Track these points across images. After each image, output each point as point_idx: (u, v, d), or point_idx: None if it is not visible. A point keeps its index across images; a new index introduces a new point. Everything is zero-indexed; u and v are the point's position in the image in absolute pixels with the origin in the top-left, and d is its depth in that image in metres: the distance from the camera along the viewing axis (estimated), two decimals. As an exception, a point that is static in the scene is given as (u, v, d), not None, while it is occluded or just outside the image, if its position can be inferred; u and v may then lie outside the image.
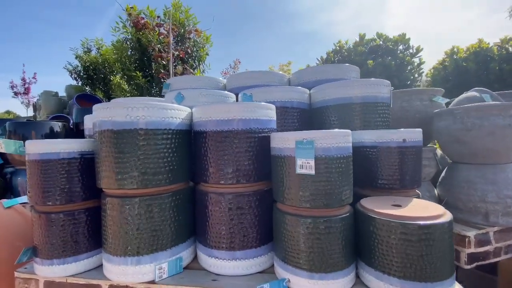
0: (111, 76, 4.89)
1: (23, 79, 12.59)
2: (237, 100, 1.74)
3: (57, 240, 1.03)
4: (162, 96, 1.94)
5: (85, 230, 1.08)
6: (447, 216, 0.87)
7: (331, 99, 1.52)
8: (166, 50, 3.55)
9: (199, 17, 3.96)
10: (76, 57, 4.99)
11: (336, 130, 0.89)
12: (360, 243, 0.97)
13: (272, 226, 1.06)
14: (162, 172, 0.99)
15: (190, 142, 1.14)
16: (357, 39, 4.04)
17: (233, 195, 1.02)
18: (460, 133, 1.52)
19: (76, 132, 2.99)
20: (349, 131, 0.92)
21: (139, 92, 3.79)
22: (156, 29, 3.71)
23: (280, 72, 2.14)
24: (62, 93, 5.57)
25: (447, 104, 2.07)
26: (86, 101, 4.67)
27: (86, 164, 1.08)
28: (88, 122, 1.40)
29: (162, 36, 3.60)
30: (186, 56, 3.74)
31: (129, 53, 3.80)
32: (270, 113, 1.10)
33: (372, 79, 1.50)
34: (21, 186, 2.30)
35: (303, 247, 0.90)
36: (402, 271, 0.84)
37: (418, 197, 1.17)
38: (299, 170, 0.85)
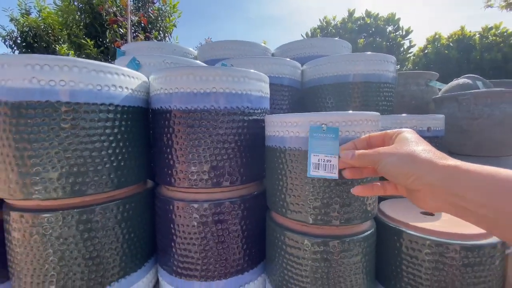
0: (56, 45, 4.13)
1: None
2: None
3: None
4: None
5: None
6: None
7: (328, 77, 1.25)
8: (123, 14, 2.98)
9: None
10: (11, 20, 4.10)
11: (365, 112, 0.62)
12: (382, 263, 0.73)
13: (265, 243, 0.79)
14: (100, 171, 0.64)
15: (146, 125, 0.79)
16: (345, 16, 3.79)
17: (210, 203, 0.71)
18: (466, 122, 1.36)
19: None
20: (378, 114, 0.66)
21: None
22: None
23: (263, 44, 1.81)
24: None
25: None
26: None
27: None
28: None
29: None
30: (149, 24, 3.18)
31: (77, 16, 3.14)
32: (264, 87, 0.79)
33: (377, 54, 1.25)
34: None
35: (312, 278, 0.63)
36: None
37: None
38: (313, 172, 0.57)
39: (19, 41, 4.25)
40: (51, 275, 0.63)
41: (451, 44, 3.41)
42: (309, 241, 0.63)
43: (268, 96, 0.82)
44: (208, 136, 0.70)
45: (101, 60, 3.12)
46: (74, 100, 0.60)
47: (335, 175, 0.56)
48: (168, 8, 3.61)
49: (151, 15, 3.15)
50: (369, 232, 0.66)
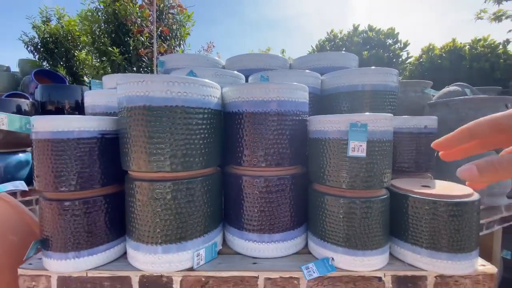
0: (75, 51, 4.38)
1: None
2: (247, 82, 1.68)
3: (74, 231, 0.91)
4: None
5: (106, 218, 0.97)
6: (476, 196, 0.96)
7: (344, 86, 1.55)
8: (147, 25, 3.26)
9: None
10: (33, 27, 4.35)
11: (383, 114, 0.91)
12: (392, 220, 1.02)
13: (307, 208, 1.07)
14: (198, 155, 0.92)
15: (221, 123, 1.08)
16: (350, 30, 4.16)
17: (272, 178, 1.00)
18: (454, 123, 1.66)
19: (41, 112, 2.64)
20: (392, 115, 0.95)
21: (114, 70, 3.45)
22: (134, 1, 3.37)
23: (282, 56, 2.11)
24: (14, 68, 4.85)
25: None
26: (45, 78, 4.13)
27: (107, 145, 0.96)
28: (91, 99, 1.24)
29: (142, 9, 3.28)
30: (170, 33, 3.48)
31: (102, 26, 3.41)
32: (306, 95, 1.08)
33: (383, 68, 1.56)
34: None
35: (347, 227, 0.92)
36: (431, 243, 0.92)
37: (431, 178, 1.27)
38: (351, 153, 0.86)
39: (39, 47, 4.50)
40: (156, 226, 0.90)
41: (443, 54, 3.77)
42: (344, 200, 0.92)
43: (307, 101, 1.11)
44: (267, 131, 0.98)
45: (124, 66, 3.39)
46: (188, 105, 0.88)
47: (364, 154, 0.85)
48: (183, 17, 3.90)
49: (171, 25, 3.44)
50: (385, 196, 0.95)
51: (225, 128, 1.07)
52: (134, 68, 3.40)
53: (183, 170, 0.90)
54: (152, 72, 3.40)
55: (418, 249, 0.94)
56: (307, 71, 1.56)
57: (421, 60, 4.03)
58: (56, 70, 4.24)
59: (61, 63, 4.42)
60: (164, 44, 3.26)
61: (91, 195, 0.94)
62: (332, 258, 0.94)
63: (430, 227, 0.92)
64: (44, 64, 4.57)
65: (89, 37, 3.62)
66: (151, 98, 0.84)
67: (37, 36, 4.44)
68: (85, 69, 4.47)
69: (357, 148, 0.86)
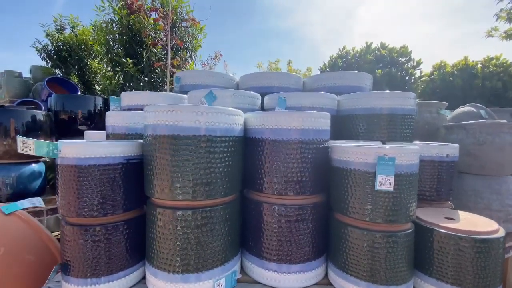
0: (88, 60, 4.46)
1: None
2: (262, 101, 1.69)
3: (95, 257, 0.91)
4: (168, 89, 1.81)
5: (126, 244, 0.97)
6: (501, 232, 0.94)
7: (362, 108, 1.54)
8: (161, 38, 3.32)
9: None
10: (47, 35, 4.44)
11: (410, 147, 0.90)
12: (416, 253, 1.00)
13: (328, 237, 1.06)
14: (221, 183, 0.92)
15: (243, 148, 1.08)
16: (363, 47, 4.19)
17: (293, 207, 0.99)
18: (472, 147, 1.65)
19: (55, 123, 2.67)
20: (418, 148, 0.94)
21: (127, 80, 3.49)
22: (149, 14, 3.43)
23: (296, 74, 2.12)
24: (26, 74, 4.94)
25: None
26: (58, 85, 4.19)
27: (131, 170, 0.96)
28: (113, 119, 1.25)
29: (157, 22, 3.34)
30: (184, 45, 3.53)
31: (117, 37, 3.47)
32: (328, 123, 1.08)
33: (401, 92, 1.56)
34: (-4, 184, 1.99)
35: (371, 261, 0.90)
36: (456, 279, 0.89)
37: (452, 208, 1.25)
38: (378, 187, 0.85)
39: (52, 54, 4.59)
40: (177, 254, 0.89)
41: (455, 72, 3.76)
42: (368, 233, 0.90)
43: (329, 128, 1.11)
44: (289, 158, 0.98)
45: (138, 78, 3.44)
46: (215, 134, 0.88)
47: (391, 188, 0.84)
48: (195, 30, 3.96)
49: (188, 40, 3.50)
50: (410, 230, 0.94)
51: (246, 153, 1.07)
52: (146, 79, 3.44)
53: (206, 198, 0.90)
54: (163, 84, 3.43)
55: (443, 285, 0.92)
56: (324, 93, 1.56)
57: (432, 77, 4.03)
58: (68, 78, 4.30)
59: (74, 71, 4.49)
60: (177, 57, 3.31)
61: (114, 221, 0.94)
62: (356, 293, 0.92)
63: (456, 263, 0.90)
64: (56, 71, 4.65)
65: (103, 47, 3.68)
66: (179, 127, 0.85)
67: (50, 44, 4.53)
68: (97, 78, 4.54)
69: (385, 182, 0.85)
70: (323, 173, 1.04)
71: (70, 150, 0.87)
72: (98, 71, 4.50)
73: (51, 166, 2.51)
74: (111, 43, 3.52)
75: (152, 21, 3.35)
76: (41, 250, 1.14)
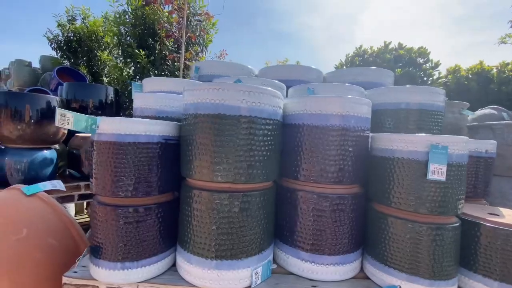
0: (98, 51, 4.42)
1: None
2: (287, 95, 1.66)
3: (129, 239, 0.87)
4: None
5: (160, 228, 0.92)
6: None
7: (390, 103, 1.51)
8: (175, 30, 3.29)
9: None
10: (59, 25, 4.40)
11: (461, 136, 0.87)
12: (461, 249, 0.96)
13: (366, 230, 1.02)
14: (262, 167, 0.88)
15: (281, 135, 1.04)
16: (381, 46, 4.17)
17: (336, 196, 0.95)
18: (500, 147, 1.62)
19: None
20: (468, 138, 0.90)
21: (139, 72, 3.46)
22: (163, 6, 3.41)
23: (317, 68, 2.09)
24: (35, 64, 4.90)
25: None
26: (67, 76, 4.15)
27: (168, 151, 0.92)
28: (142, 101, 1.21)
29: (171, 15, 3.31)
30: (197, 39, 3.50)
31: (130, 28, 3.44)
32: (369, 111, 1.04)
33: (431, 87, 1.53)
34: (9, 169, 1.94)
35: (414, 254, 0.86)
36: (504, 276, 0.86)
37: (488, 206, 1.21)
38: (431, 176, 0.82)
39: (62, 45, 4.55)
40: (214, 239, 0.85)
41: (470, 75, 3.75)
42: (412, 225, 0.87)
43: (370, 117, 1.07)
44: (329, 146, 0.94)
45: (149, 70, 3.40)
46: (261, 115, 0.84)
47: (443, 178, 0.80)
48: (207, 25, 3.94)
49: (201, 34, 3.48)
50: (457, 223, 0.90)
51: (282, 140, 1.03)
52: (156, 71, 3.40)
53: (246, 182, 0.86)
54: (174, 76, 3.40)
55: (490, 282, 0.88)
56: (352, 85, 1.53)
57: (446, 80, 4.02)
58: (78, 68, 4.27)
59: (83, 62, 4.45)
60: (191, 50, 3.28)
61: (149, 203, 0.90)
62: (400, 286, 0.88)
63: (505, 259, 0.87)
64: (65, 62, 4.61)
65: (115, 38, 3.65)
66: (224, 106, 0.81)
67: (61, 34, 4.50)
68: (105, 70, 4.50)
69: (437, 172, 0.81)
70: (362, 162, 1.01)
71: (108, 125, 0.83)
72: (107, 62, 4.47)
73: (62, 153, 2.46)
74: (123, 34, 3.48)
75: (166, 13, 3.32)
76: (63, 235, 1.10)
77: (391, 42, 4.09)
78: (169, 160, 0.92)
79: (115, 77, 3.82)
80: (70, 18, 4.54)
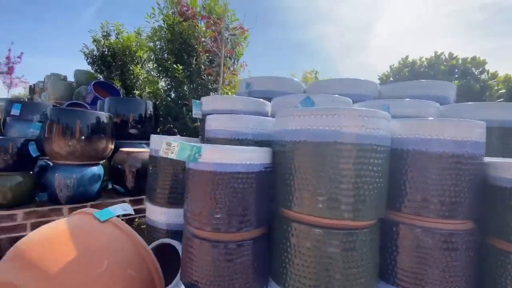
0: (131, 66, 4.52)
1: (8, 58, 11.57)
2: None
3: (229, 276, 0.78)
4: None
5: (257, 263, 0.84)
6: None
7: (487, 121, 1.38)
8: (211, 45, 3.29)
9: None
10: (94, 41, 4.56)
11: None
12: None
13: (483, 271, 0.89)
14: (372, 202, 0.79)
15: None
16: (431, 56, 3.99)
17: (447, 232, 0.83)
18: None
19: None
20: None
21: (175, 86, 3.47)
22: (200, 21, 3.44)
23: (372, 81, 1.99)
24: (70, 78, 5.07)
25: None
26: (101, 89, 4.25)
27: (266, 180, 0.85)
28: (214, 122, 1.15)
29: (208, 29, 3.33)
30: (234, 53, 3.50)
31: (167, 43, 3.49)
32: (484, 135, 0.93)
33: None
34: (59, 185, 1.94)
35: None
36: None
37: None
38: None
39: (95, 59, 4.69)
40: (314, 277, 0.75)
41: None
42: None
43: (485, 141, 0.94)
44: (441, 174, 0.83)
45: (186, 84, 3.41)
46: (377, 142, 0.75)
47: None
48: (239, 38, 3.94)
49: (237, 48, 3.48)
50: None
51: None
52: (192, 86, 3.41)
53: (354, 218, 0.76)
54: (210, 91, 3.39)
55: None
56: (429, 101, 1.42)
57: (497, 89, 3.77)
58: (112, 82, 4.37)
59: (116, 76, 4.56)
60: (227, 64, 3.27)
61: (248, 237, 0.82)
62: None
63: None
64: (99, 76, 4.74)
65: (151, 53, 3.71)
66: (338, 133, 0.73)
67: (96, 49, 4.65)
68: (137, 84, 4.58)
69: None
70: (478, 194, 0.89)
71: (212, 154, 0.76)
72: (140, 76, 4.56)
73: (105, 168, 2.45)
74: (158, 49, 3.53)
75: (203, 28, 3.34)
76: (139, 265, 1.03)
77: (443, 52, 3.92)
78: (267, 189, 0.85)
79: (151, 90, 3.87)
80: (105, 33, 4.70)
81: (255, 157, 0.79)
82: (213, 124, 1.16)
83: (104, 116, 2.14)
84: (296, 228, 0.79)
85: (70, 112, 2.05)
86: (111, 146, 2.21)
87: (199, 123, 3.19)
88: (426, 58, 4.15)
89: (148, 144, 2.98)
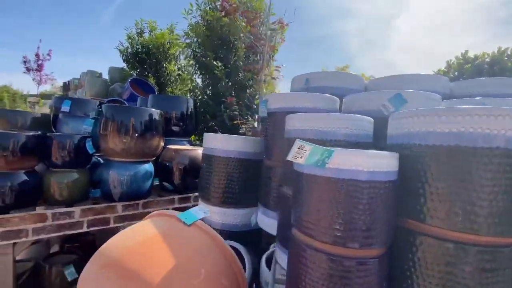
0: (165, 63, 4.53)
1: (37, 55, 12.04)
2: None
3: (351, 299, 0.70)
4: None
5: (380, 284, 0.74)
6: None
7: None
8: (252, 41, 3.22)
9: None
10: (128, 38, 4.60)
11: None
12: None
13: None
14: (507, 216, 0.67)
15: None
16: (493, 52, 3.78)
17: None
18: None
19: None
20: None
21: (214, 84, 3.42)
22: (240, 16, 3.37)
23: (444, 77, 1.83)
24: (104, 75, 5.17)
25: None
26: (136, 86, 4.28)
27: (395, 190, 0.75)
28: (299, 122, 1.06)
29: (248, 25, 3.26)
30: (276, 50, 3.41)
31: (205, 40, 3.44)
32: None
33: None
34: (113, 181, 1.93)
35: None
36: None
37: None
38: None
39: (129, 57, 4.74)
40: None
41: None
42: None
43: None
44: None
45: (225, 81, 3.35)
46: None
47: None
48: (277, 33, 3.84)
49: (273, 41, 3.39)
50: None
51: None
52: (229, 83, 3.35)
53: (494, 234, 0.65)
54: (247, 87, 3.32)
55: None
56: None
57: None
58: (146, 79, 4.39)
59: (150, 73, 4.58)
60: (271, 61, 3.20)
61: (376, 254, 0.72)
62: None
63: None
64: (132, 73, 4.79)
65: (186, 50, 3.69)
66: (481, 136, 0.62)
67: (130, 47, 4.69)
68: (170, 80, 4.58)
69: None
70: None
71: (346, 159, 0.67)
72: (173, 73, 4.57)
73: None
74: (201, 45, 3.50)
75: (243, 23, 3.27)
76: (229, 273, 0.97)
77: (508, 48, 3.67)
78: (395, 201, 0.75)
79: (182, 88, 3.85)
80: (139, 31, 4.74)
81: (391, 164, 0.69)
82: (297, 124, 1.06)
83: (156, 113, 2.11)
84: (423, 241, 0.69)
85: (125, 109, 2.04)
86: (162, 144, 2.19)
87: (239, 121, 3.14)
88: (488, 54, 3.88)
89: (188, 142, 2.97)
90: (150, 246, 0.87)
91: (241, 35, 3.27)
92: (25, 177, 1.69)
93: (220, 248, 0.99)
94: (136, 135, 1.96)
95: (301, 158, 0.66)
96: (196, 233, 0.99)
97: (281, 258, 1.15)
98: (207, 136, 1.87)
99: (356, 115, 1.04)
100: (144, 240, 0.89)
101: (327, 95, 1.41)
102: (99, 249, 0.92)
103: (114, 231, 2.98)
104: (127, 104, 3.68)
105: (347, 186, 0.67)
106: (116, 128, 1.93)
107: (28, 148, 1.68)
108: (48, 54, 12.40)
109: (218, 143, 1.78)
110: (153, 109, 2.09)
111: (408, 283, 0.72)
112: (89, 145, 1.91)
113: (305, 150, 0.65)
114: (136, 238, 0.91)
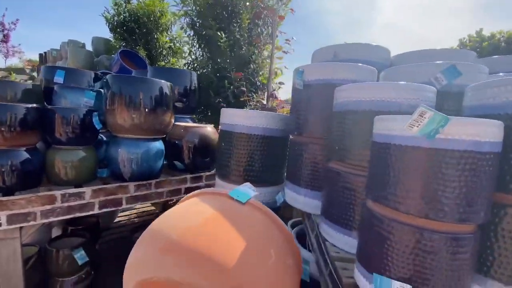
0: (156, 34, 4.19)
1: (2, 24, 10.81)
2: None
3: (445, 274, 0.67)
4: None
5: (474, 260, 0.72)
6: None
7: None
8: (259, 10, 3.00)
9: None
10: (115, 5, 4.17)
11: None
12: None
13: None
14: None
15: None
16: (509, 30, 3.76)
17: None
18: None
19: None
20: None
21: (217, 55, 3.20)
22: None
23: (473, 52, 1.80)
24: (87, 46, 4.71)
25: None
26: (125, 59, 3.94)
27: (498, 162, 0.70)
28: (355, 93, 0.98)
29: (255, -7, 3.02)
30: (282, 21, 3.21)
31: (207, 9, 3.17)
32: None
33: None
34: (123, 160, 1.77)
35: None
36: None
37: None
38: None
39: (115, 26, 4.32)
40: None
41: None
42: None
43: None
44: None
45: (228, 53, 3.15)
46: None
47: None
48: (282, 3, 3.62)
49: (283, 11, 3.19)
50: None
51: None
52: (233, 55, 3.15)
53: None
54: (249, 62, 3.15)
55: None
56: None
57: None
58: (137, 52, 4.05)
59: (140, 45, 4.23)
60: (276, 35, 3.01)
61: (471, 231, 0.69)
62: None
63: None
64: (120, 43, 4.40)
65: (182, 19, 3.40)
66: None
67: (116, 14, 4.27)
68: (163, 53, 4.27)
69: None
70: None
71: (464, 129, 0.61)
72: (165, 45, 4.24)
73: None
74: (195, 15, 3.22)
75: (250, -9, 3.03)
76: (291, 253, 0.91)
77: None
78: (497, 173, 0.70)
79: (188, 62, 3.58)
80: (126, -4, 4.30)
81: (499, 134, 0.64)
82: (354, 95, 0.98)
83: (167, 86, 1.93)
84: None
85: (135, 80, 1.84)
86: (173, 120, 2.03)
87: (246, 97, 2.99)
88: (504, 32, 3.90)
89: (191, 119, 2.81)
90: (213, 227, 0.79)
91: (247, 3, 3.03)
92: (27, 155, 1.50)
93: (280, 228, 0.92)
94: (147, 110, 1.79)
95: (417, 126, 0.59)
96: (253, 212, 0.92)
97: (330, 235, 1.11)
98: (227, 111, 1.75)
99: (421, 84, 0.97)
100: (205, 220, 0.80)
101: (369, 66, 1.33)
102: (151, 230, 0.82)
103: (112, 214, 2.84)
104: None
105: (458, 158, 0.61)
106: (125, 102, 1.75)
107: (28, 123, 1.48)
108: (14, 23, 11.12)
109: (239, 119, 1.67)
110: (164, 81, 1.91)
111: (496, 250, 0.70)
112: (96, 120, 1.72)
113: (425, 118, 0.57)
114: (193, 218, 0.82)
